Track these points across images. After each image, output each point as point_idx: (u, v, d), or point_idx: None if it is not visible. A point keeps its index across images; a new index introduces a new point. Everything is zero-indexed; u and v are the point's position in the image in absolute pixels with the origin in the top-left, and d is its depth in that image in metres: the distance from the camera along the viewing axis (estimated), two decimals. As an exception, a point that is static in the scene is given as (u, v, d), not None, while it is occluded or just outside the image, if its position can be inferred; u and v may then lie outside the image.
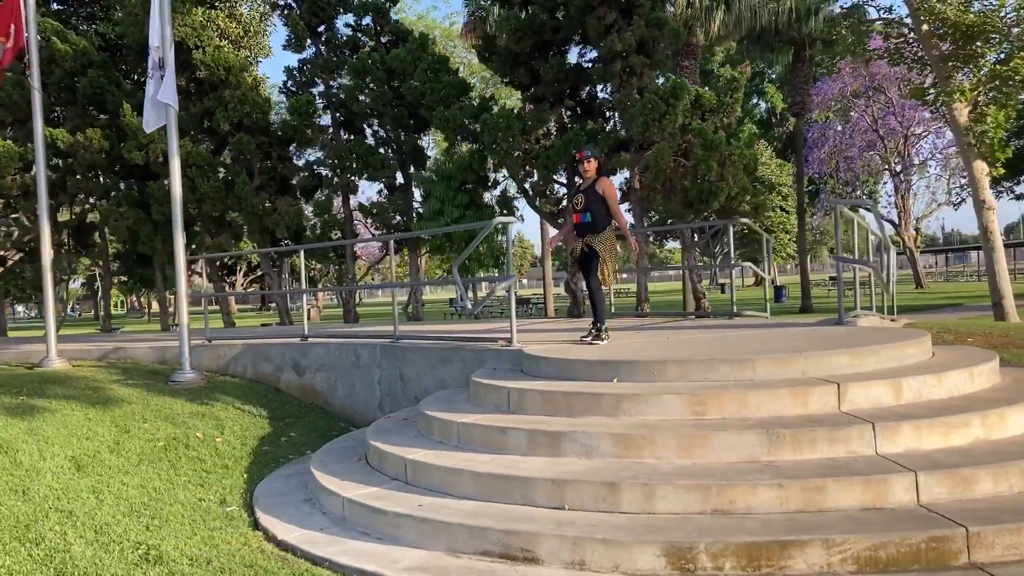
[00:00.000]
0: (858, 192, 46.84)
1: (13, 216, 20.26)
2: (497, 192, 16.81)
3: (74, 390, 9.74)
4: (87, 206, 19.86)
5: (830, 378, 5.70)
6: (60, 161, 19.10)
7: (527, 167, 13.59)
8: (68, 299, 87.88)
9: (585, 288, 8.46)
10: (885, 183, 49.89)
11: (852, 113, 41.80)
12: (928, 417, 5.12)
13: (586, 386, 5.96)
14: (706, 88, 13.91)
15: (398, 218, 16.99)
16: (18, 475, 6.80)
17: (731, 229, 10.78)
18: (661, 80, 16.07)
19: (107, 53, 18.63)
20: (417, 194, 17.22)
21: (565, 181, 13.83)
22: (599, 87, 14.31)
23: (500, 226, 8.03)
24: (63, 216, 20.39)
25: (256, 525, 5.77)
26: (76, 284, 77.86)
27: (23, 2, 12.21)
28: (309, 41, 17.21)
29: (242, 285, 61.50)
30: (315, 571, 4.70)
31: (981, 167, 13.93)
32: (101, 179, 18.38)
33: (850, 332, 7.84)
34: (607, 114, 14.37)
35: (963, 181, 42.84)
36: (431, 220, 16.18)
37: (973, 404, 5.50)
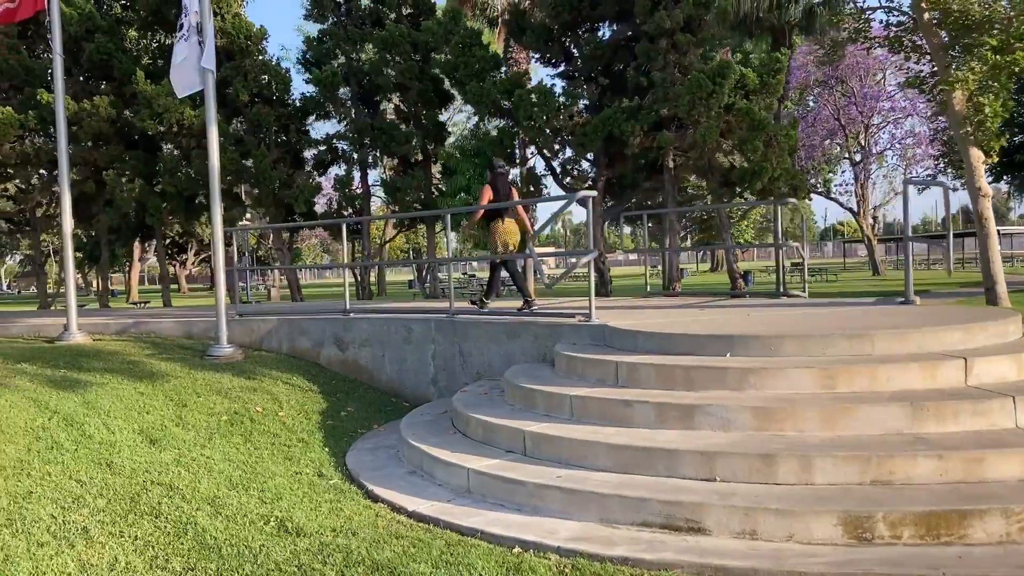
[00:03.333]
0: (814, 181, 47.55)
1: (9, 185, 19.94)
2: (524, 169, 16.71)
3: (112, 363, 9.61)
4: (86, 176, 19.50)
5: (950, 353, 5.77)
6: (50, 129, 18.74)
7: (559, 144, 13.55)
8: (5, 276, 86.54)
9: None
10: (843, 172, 51.18)
11: (810, 101, 42.73)
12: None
13: (702, 360, 5.97)
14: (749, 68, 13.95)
15: (420, 195, 16.90)
16: (95, 448, 6.71)
17: (779, 209, 10.84)
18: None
19: (112, 17, 18.25)
20: (434, 170, 17.15)
21: (591, 158, 13.80)
22: (630, 65, 14.27)
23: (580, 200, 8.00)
24: (47, 189, 20.00)
25: (371, 496, 5.73)
26: (12, 261, 76.37)
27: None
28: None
29: (192, 264, 60.96)
30: (468, 541, 4.68)
31: (977, 155, 14.07)
32: (105, 148, 18.02)
33: (925, 310, 7.93)
34: (643, 92, 14.32)
35: (918, 170, 44.12)
36: (454, 197, 16.09)
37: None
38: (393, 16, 17.27)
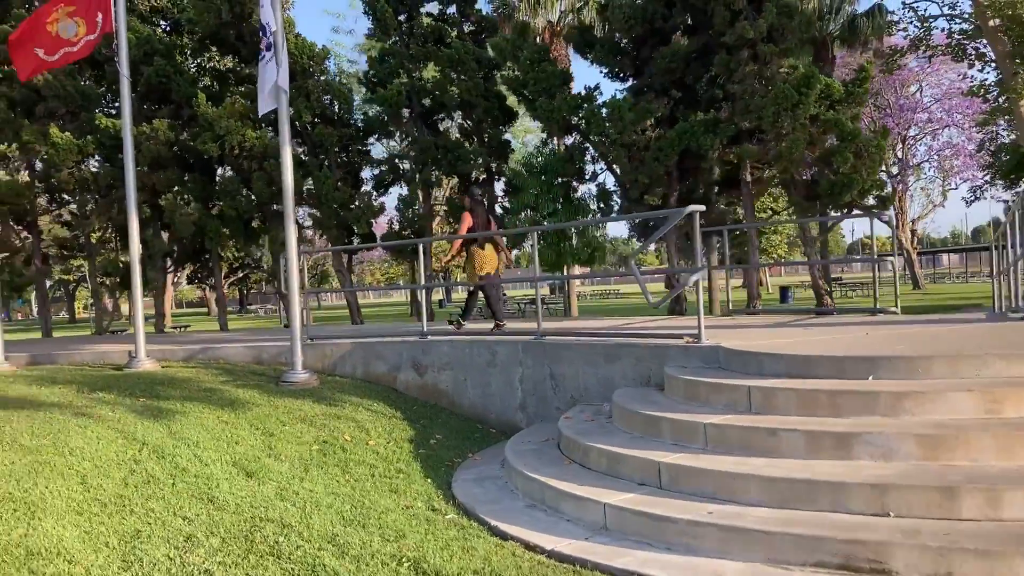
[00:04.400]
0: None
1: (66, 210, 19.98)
2: (594, 186, 16.38)
3: (189, 391, 9.42)
4: (142, 200, 19.47)
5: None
6: (108, 154, 18.72)
7: (630, 159, 13.24)
8: (36, 303, 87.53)
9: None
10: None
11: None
12: None
13: (845, 384, 5.60)
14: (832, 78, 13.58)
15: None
16: (191, 482, 6.47)
17: (872, 223, 10.45)
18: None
19: (169, 41, 18.26)
20: (497, 188, 16.92)
21: (663, 172, 13.45)
22: (703, 77, 13.96)
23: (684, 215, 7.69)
24: (104, 214, 19.96)
25: (498, 533, 5.41)
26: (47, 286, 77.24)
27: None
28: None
29: (223, 287, 61.30)
30: (626, 585, 4.36)
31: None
32: (163, 172, 17.94)
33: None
34: (717, 104, 14.00)
35: (957, 181, 43.58)
36: (519, 214, 15.84)
37: None
38: (455, 34, 17.12)
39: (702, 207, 7.44)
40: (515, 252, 18.52)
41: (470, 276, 11.09)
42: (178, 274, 48.37)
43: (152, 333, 23.80)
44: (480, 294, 11.77)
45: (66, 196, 20.47)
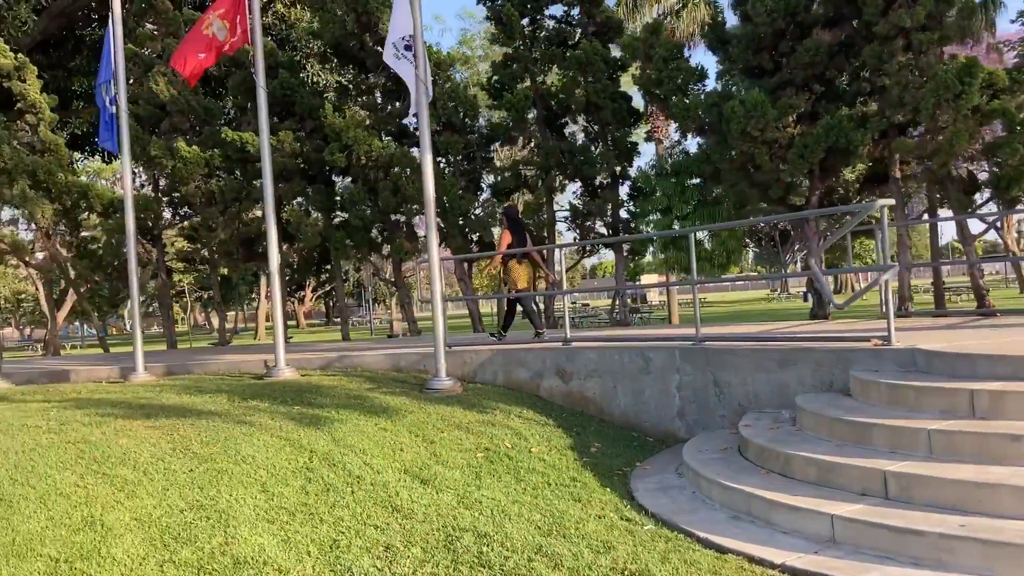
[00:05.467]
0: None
1: (189, 223, 20.43)
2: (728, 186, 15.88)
3: (338, 399, 9.38)
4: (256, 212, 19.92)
5: None
6: (233, 167, 19.08)
7: (773, 157, 12.80)
8: (128, 317, 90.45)
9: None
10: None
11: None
12: None
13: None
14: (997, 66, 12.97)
15: (607, 219, 16.40)
16: (369, 490, 6.38)
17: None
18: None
19: (293, 53, 18.55)
20: (622, 191, 16.66)
21: (806, 170, 12.93)
22: (845, 70, 13.44)
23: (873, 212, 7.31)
24: (229, 227, 20.36)
25: (712, 546, 5.12)
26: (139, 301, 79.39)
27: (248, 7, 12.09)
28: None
29: (310, 300, 62.06)
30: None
31: None
32: (288, 184, 18.16)
33: None
34: (861, 98, 13.47)
35: None
36: (645, 217, 15.54)
37: None
38: (578, 34, 16.94)
39: (891, 201, 7.03)
40: (647, 258, 18.16)
41: (510, 289, 11.94)
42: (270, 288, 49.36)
43: (258, 344, 24.20)
44: (517, 306, 12.55)
45: (187, 209, 20.93)
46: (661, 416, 9.24)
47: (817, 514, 4.94)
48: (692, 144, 31.56)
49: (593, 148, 16.64)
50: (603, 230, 17.25)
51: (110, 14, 13.20)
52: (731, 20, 24.61)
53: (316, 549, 5.13)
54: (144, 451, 6.83)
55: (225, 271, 24.84)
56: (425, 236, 20.60)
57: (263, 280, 41.87)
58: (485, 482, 6.81)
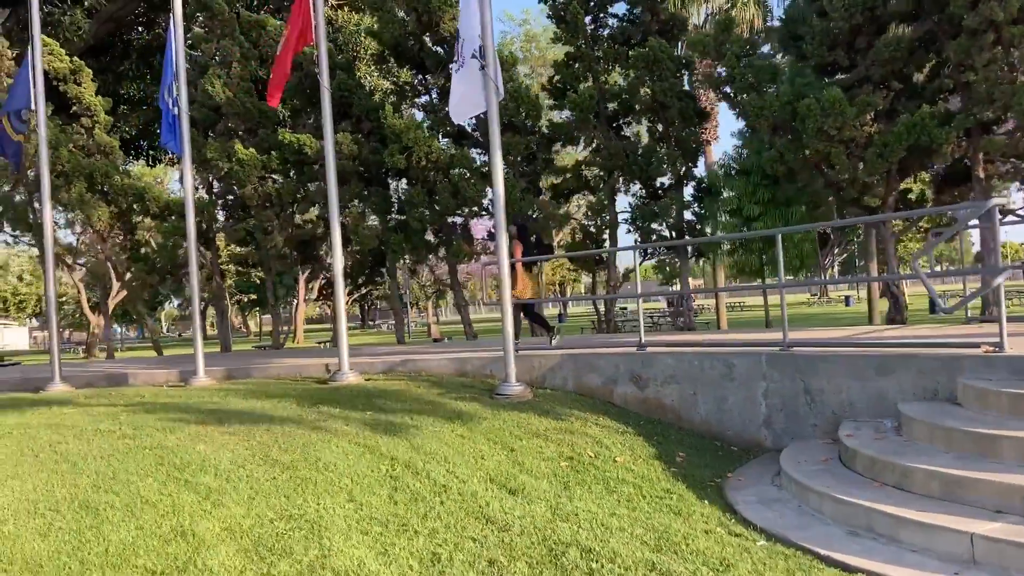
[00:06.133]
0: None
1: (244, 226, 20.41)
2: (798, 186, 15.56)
3: (409, 404, 9.21)
4: (319, 216, 19.86)
5: None
6: (289, 169, 19.04)
7: (850, 156, 12.44)
8: (165, 320, 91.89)
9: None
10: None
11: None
12: None
13: None
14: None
15: (669, 220, 16.11)
16: (457, 499, 6.18)
17: None
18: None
19: (350, 54, 18.50)
20: (687, 192, 16.38)
21: (884, 170, 12.53)
22: (924, 67, 13.05)
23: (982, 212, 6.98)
24: (284, 229, 20.35)
25: (836, 564, 4.84)
26: (171, 305, 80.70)
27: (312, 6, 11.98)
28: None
29: (345, 302, 62.49)
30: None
31: None
32: (346, 185, 18.07)
33: None
34: (942, 95, 13.07)
35: None
36: (716, 219, 15.25)
37: None
38: (640, 33, 16.69)
39: (1003, 200, 6.71)
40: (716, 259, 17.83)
41: (520, 296, 12.26)
42: (309, 290, 49.77)
43: (317, 348, 24.21)
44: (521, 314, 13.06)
45: (239, 212, 20.94)
46: (745, 425, 8.94)
47: (953, 532, 4.64)
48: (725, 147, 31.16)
49: (659, 148, 16.34)
50: (664, 232, 16.96)
51: (171, 15, 13.17)
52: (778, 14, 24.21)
53: (417, 563, 4.93)
54: (223, 457, 6.69)
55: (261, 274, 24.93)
56: (485, 238, 20.64)
57: (301, 283, 42.09)
58: (575, 493, 6.58)
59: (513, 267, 11.89)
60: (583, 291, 75.99)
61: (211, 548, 4.97)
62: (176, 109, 13.25)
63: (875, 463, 5.93)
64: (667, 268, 19.73)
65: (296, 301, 47.62)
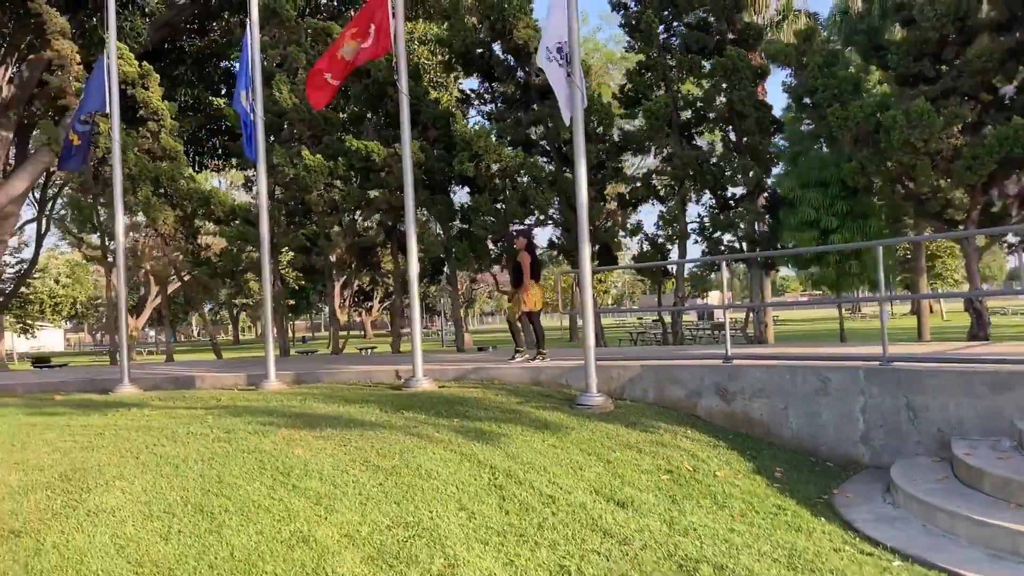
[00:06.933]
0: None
1: (304, 232, 20.50)
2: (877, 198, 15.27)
3: (492, 413, 9.10)
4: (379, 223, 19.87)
5: None
6: (353, 176, 19.04)
7: (936, 169, 12.16)
8: (196, 324, 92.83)
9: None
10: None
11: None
12: None
13: None
14: None
15: (739, 231, 15.88)
16: (568, 510, 6.08)
17: None
18: None
19: (416, 63, 18.50)
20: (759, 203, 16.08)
21: (969, 184, 12.21)
22: (1016, 77, 12.74)
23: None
24: (348, 236, 20.41)
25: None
26: (206, 309, 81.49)
27: (390, 5, 11.87)
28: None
29: (377, 311, 62.59)
30: None
31: None
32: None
33: None
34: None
35: None
36: (796, 231, 14.98)
37: None
38: (715, 41, 16.49)
39: None
40: (792, 272, 17.51)
41: (532, 307, 12.41)
42: (344, 298, 50.05)
43: (392, 355, 24.18)
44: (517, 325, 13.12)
45: (299, 219, 20.99)
46: (841, 440, 8.72)
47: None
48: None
49: (733, 158, 16.11)
50: (735, 244, 16.71)
51: (248, 21, 13.22)
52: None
53: (546, 575, 4.80)
54: (324, 463, 6.63)
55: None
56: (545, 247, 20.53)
57: (336, 290, 42.22)
58: (685, 507, 6.41)
59: (521, 279, 12.30)
60: (610, 303, 75.74)
61: (335, 555, 4.89)
62: (252, 115, 13.28)
63: (1008, 484, 5.71)
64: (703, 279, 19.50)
65: (331, 308, 47.91)
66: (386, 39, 12.14)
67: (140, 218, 20.57)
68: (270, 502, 5.66)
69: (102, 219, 23.49)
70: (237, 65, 30.70)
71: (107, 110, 13.77)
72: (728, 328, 10.54)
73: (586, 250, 10.14)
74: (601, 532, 5.64)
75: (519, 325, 12.80)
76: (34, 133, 26.83)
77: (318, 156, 17.91)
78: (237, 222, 19.80)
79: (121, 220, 13.91)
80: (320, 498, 5.80)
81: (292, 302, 51.75)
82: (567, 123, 9.95)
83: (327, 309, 62.19)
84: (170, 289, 43.80)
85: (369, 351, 29.13)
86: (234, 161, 32.62)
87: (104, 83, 13.78)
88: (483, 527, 5.55)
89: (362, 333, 61.12)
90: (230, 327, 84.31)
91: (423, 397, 10.23)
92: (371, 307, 60.88)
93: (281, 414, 8.92)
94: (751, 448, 8.78)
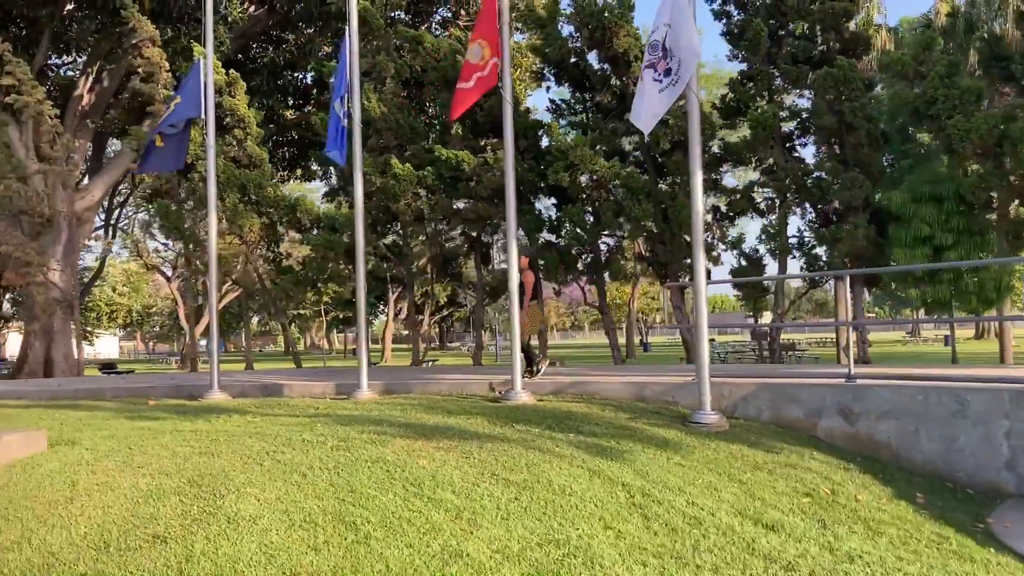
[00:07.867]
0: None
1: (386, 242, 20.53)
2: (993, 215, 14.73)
3: (605, 428, 8.82)
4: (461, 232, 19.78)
5: None
6: (439, 186, 18.93)
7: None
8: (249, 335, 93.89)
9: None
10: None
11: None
12: None
13: None
14: None
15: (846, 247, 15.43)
16: (716, 533, 5.77)
17: None
18: None
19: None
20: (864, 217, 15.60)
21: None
22: None
23: None
24: (433, 245, 20.30)
25: None
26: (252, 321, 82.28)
27: (499, 17, 11.72)
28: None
29: (428, 323, 62.74)
30: None
31: None
32: (498, 202, 17.90)
33: None
34: None
35: None
36: (908, 248, 14.47)
37: None
38: (819, 51, 16.07)
39: None
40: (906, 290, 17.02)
41: (534, 328, 12.77)
42: (399, 308, 50.08)
43: (404, 367, 24.04)
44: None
45: (380, 228, 20.97)
46: (980, 466, 8.28)
47: None
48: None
49: (842, 170, 15.63)
50: (846, 260, 16.17)
51: (347, 28, 13.21)
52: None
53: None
54: (452, 474, 6.41)
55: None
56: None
57: (391, 302, 42.14)
58: (838, 532, 6.06)
59: (522, 300, 12.33)
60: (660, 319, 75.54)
61: (493, 572, 4.65)
62: (347, 121, 13.23)
63: None
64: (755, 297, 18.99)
65: (386, 320, 48.00)
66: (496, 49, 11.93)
67: (223, 225, 20.57)
68: (410, 514, 5.46)
69: (186, 225, 23.74)
70: (311, 76, 31.07)
71: (201, 115, 13.86)
72: (852, 347, 10.14)
73: (701, 263, 9.80)
74: (761, 556, 5.33)
75: (533, 343, 13.09)
76: (123, 139, 27.34)
77: (407, 165, 17.84)
78: (322, 230, 19.83)
79: (215, 226, 13.97)
80: (459, 511, 5.58)
81: (349, 313, 52.07)
82: (646, 130, 9.64)
83: (377, 320, 62.48)
84: (229, 298, 44.36)
85: (431, 363, 29.06)
86: (298, 172, 32.99)
87: (198, 90, 13.86)
88: (636, 548, 5.28)
89: (408, 346, 61.63)
90: (279, 338, 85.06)
91: (527, 410, 9.99)
92: (422, 319, 61.25)
93: (389, 423, 8.73)
94: (882, 472, 8.38)
